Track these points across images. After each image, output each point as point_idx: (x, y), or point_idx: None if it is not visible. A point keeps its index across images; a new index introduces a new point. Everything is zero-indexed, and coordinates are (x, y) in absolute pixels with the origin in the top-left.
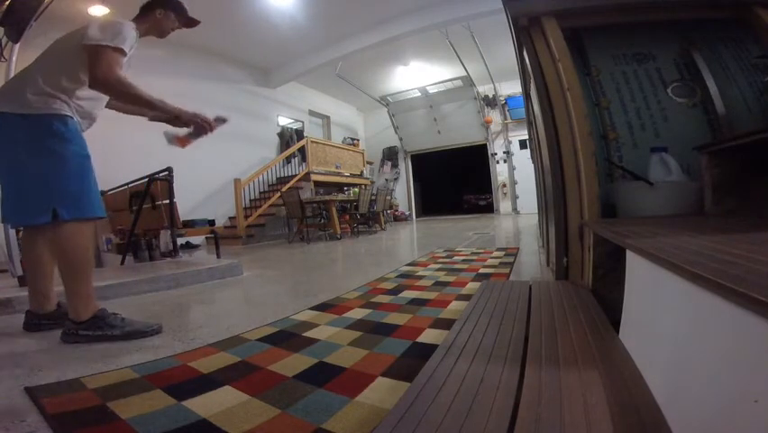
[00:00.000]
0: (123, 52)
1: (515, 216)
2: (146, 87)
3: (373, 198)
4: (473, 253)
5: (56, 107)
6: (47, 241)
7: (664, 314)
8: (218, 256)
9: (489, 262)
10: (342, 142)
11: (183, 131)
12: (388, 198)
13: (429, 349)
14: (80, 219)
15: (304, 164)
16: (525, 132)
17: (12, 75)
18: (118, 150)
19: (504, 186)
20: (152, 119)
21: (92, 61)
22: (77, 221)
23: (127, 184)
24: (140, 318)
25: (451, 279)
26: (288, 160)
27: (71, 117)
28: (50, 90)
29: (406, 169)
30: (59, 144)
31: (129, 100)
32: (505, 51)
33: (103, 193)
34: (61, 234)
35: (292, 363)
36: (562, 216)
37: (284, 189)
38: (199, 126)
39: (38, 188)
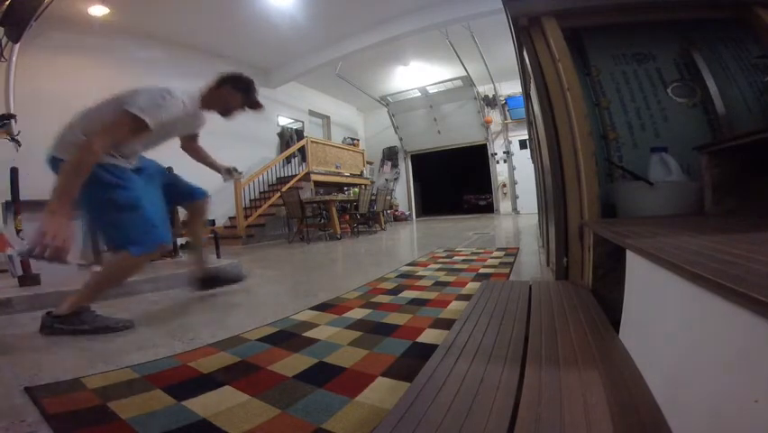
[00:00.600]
0: (143, 125)
1: (515, 216)
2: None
3: (373, 198)
4: (473, 253)
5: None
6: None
7: (664, 314)
8: (218, 256)
9: (489, 262)
10: (342, 142)
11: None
12: (388, 198)
13: (429, 349)
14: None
15: (304, 164)
16: (525, 132)
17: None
18: None
19: (504, 186)
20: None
21: (111, 120)
22: (143, 255)
23: None
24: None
25: (451, 279)
26: (287, 160)
27: (115, 165)
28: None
29: (406, 169)
30: (110, 192)
31: (78, 165)
32: (505, 51)
33: None
34: (123, 258)
35: (292, 363)
36: (562, 216)
37: (284, 189)
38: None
39: (111, 232)
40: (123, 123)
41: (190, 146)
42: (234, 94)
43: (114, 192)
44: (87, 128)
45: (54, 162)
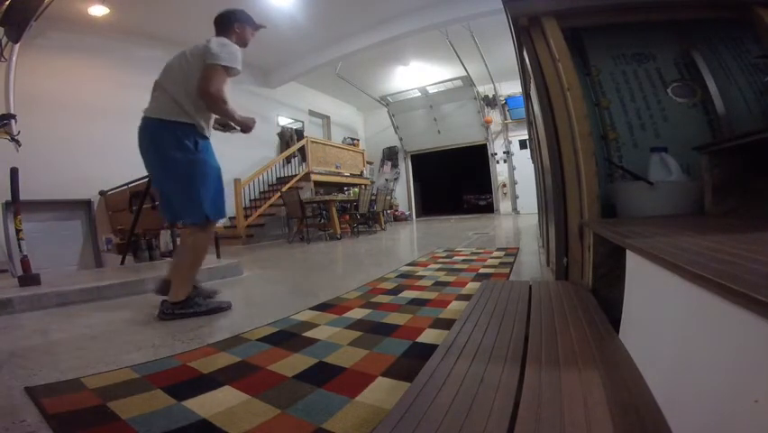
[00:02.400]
0: (232, 72)
1: (515, 216)
2: (146, 88)
3: (373, 198)
4: (473, 253)
5: (192, 121)
6: (182, 231)
7: (664, 314)
8: (218, 256)
9: (489, 262)
10: (342, 142)
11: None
12: (388, 198)
13: (429, 349)
14: (211, 221)
15: (304, 164)
16: (525, 132)
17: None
18: (119, 150)
19: (504, 186)
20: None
21: (208, 75)
22: (213, 222)
23: (127, 184)
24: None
25: (451, 279)
26: (288, 160)
27: (207, 138)
28: (189, 101)
29: (406, 169)
30: (202, 156)
31: (221, 113)
32: (505, 51)
33: (103, 193)
34: (200, 231)
35: (292, 363)
36: (562, 216)
37: (284, 189)
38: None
39: (195, 195)
40: (220, 74)
41: None
42: (244, 26)
43: (212, 164)
44: (188, 89)
45: (161, 125)
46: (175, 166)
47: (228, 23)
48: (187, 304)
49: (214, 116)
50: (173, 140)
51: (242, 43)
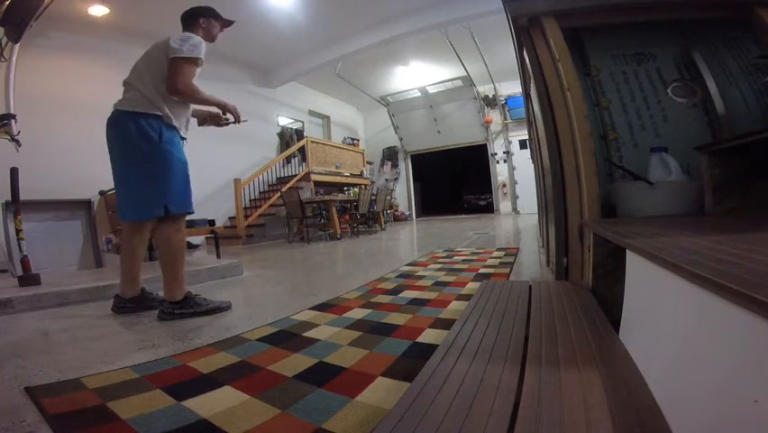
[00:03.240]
0: (198, 62)
1: (515, 216)
2: None
3: (373, 198)
4: (473, 253)
5: (159, 112)
6: (138, 232)
7: (664, 314)
8: (218, 256)
9: (489, 262)
10: (342, 142)
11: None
12: (388, 198)
13: (429, 349)
14: (183, 214)
15: (304, 164)
16: (525, 132)
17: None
18: None
19: (504, 186)
20: (201, 124)
21: (172, 72)
22: (181, 215)
23: None
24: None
25: (451, 279)
26: (288, 160)
27: (176, 127)
28: (157, 96)
29: (406, 169)
30: (167, 147)
31: (198, 102)
32: (505, 51)
33: (103, 193)
34: (166, 226)
35: (292, 363)
36: (562, 216)
37: (284, 189)
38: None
39: (152, 187)
40: (184, 68)
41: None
42: (209, 21)
43: (178, 156)
44: (154, 81)
45: (127, 116)
46: (139, 157)
47: (193, 19)
48: (186, 304)
49: (190, 110)
50: (137, 130)
51: (209, 38)
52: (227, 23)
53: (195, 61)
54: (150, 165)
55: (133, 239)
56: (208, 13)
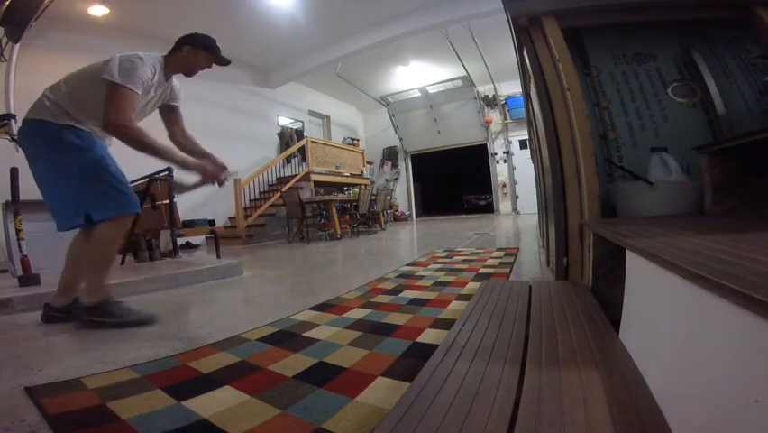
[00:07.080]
0: (134, 93)
1: (515, 216)
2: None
3: (373, 198)
4: (473, 253)
5: (68, 121)
6: (85, 239)
7: (664, 314)
8: (218, 256)
9: (489, 262)
10: (342, 142)
11: (192, 179)
12: (388, 198)
13: (429, 349)
14: (110, 219)
15: (304, 164)
16: (525, 132)
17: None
18: (118, 149)
19: (504, 186)
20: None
21: (107, 100)
22: (108, 221)
23: None
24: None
25: (451, 279)
26: (288, 160)
27: (86, 130)
28: (70, 108)
29: (406, 169)
30: (72, 154)
31: (135, 147)
32: (505, 51)
33: None
34: (93, 232)
35: (292, 363)
36: (562, 216)
37: (284, 189)
38: (206, 176)
39: (69, 196)
40: (120, 96)
41: (177, 130)
42: (195, 52)
43: (81, 154)
44: (78, 100)
45: (36, 124)
46: (58, 165)
47: (180, 42)
48: (99, 311)
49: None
50: (51, 138)
51: (187, 70)
52: (219, 61)
53: (128, 91)
54: (62, 173)
55: (74, 247)
56: (199, 42)
